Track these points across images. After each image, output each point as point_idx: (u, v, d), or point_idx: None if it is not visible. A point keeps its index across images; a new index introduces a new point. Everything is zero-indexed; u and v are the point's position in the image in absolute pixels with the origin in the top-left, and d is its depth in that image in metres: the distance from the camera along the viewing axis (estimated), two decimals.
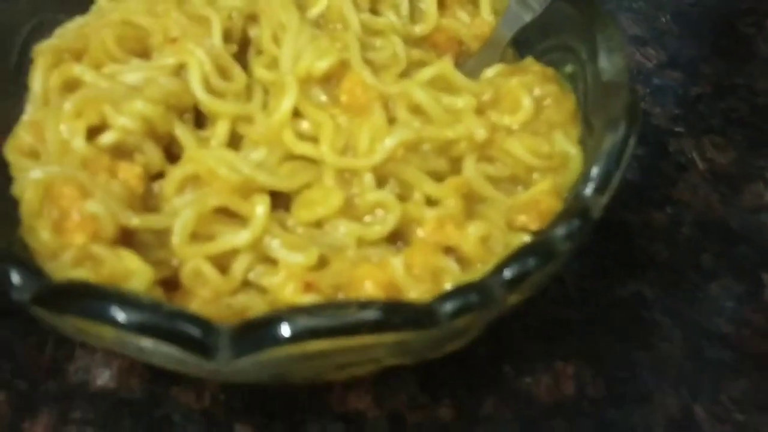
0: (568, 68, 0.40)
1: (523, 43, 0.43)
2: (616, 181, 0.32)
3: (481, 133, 0.34)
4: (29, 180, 0.31)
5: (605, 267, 0.43)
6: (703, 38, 0.60)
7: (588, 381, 0.38)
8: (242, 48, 0.39)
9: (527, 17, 0.39)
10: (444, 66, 0.36)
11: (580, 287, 0.42)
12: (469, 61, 0.42)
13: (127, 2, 0.37)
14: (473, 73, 0.40)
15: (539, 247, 0.30)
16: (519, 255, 0.29)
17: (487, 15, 0.42)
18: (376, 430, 0.36)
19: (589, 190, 0.31)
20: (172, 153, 0.35)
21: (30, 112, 0.35)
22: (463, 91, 0.37)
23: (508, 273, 0.28)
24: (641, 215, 0.46)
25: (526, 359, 0.39)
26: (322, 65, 0.35)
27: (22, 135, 0.34)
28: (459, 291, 0.28)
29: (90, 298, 0.26)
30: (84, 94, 0.33)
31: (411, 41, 0.41)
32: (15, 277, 0.27)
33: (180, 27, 0.36)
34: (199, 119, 0.36)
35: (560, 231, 0.30)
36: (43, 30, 0.39)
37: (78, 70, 0.34)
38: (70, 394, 0.35)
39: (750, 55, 0.58)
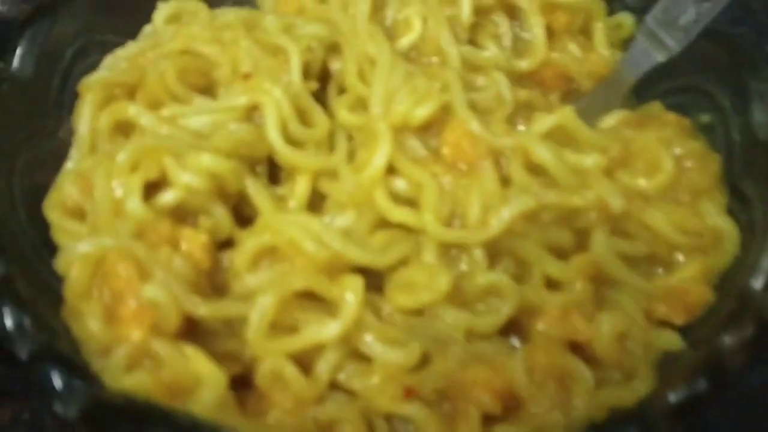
0: (705, 118, 0.34)
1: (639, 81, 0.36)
2: None
3: (618, 204, 0.28)
4: (76, 254, 0.25)
5: None
6: None
7: None
8: (321, 84, 0.33)
9: (660, 57, 0.33)
10: (565, 115, 0.30)
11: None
12: (579, 102, 0.36)
13: (188, 27, 0.31)
14: (585, 117, 0.34)
15: (707, 363, 0.24)
16: (683, 371, 0.23)
17: (602, 49, 0.35)
18: None
19: (759, 283, 0.25)
20: (241, 213, 0.29)
21: (75, 159, 0.29)
22: (586, 145, 0.30)
23: (673, 397, 0.22)
24: None
25: None
26: (422, 113, 0.29)
27: (67, 188, 0.28)
28: (620, 421, 0.22)
29: (152, 424, 0.20)
30: (141, 144, 0.27)
31: (514, 77, 0.35)
32: (58, 382, 0.22)
33: (251, 59, 0.31)
34: (273, 170, 0.30)
35: (730, 340, 0.24)
36: (90, 54, 0.34)
37: (133, 111, 0.29)
38: None
39: None
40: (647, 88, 0.36)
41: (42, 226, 0.28)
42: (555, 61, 0.35)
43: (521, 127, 0.33)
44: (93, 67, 0.34)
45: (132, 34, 0.36)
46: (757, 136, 0.30)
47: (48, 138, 0.32)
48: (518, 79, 0.35)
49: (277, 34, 0.31)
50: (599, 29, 0.36)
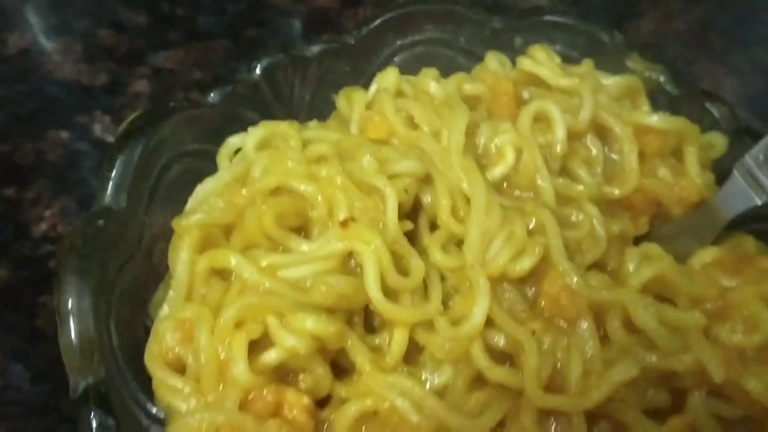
0: None
1: None
2: None
3: (719, 374, 0.28)
4: (189, 427, 0.25)
5: None
6: None
7: None
8: (414, 212, 0.33)
9: (758, 200, 0.32)
10: (664, 266, 0.30)
11: None
12: (666, 226, 0.36)
13: (282, 161, 0.31)
14: (675, 245, 0.34)
15: None
16: None
17: (695, 175, 0.35)
18: None
19: None
20: (339, 364, 0.29)
21: (173, 303, 0.29)
22: (683, 294, 0.30)
23: None
24: None
25: None
26: (523, 267, 0.29)
27: (168, 338, 0.28)
28: None
29: None
30: (245, 302, 0.27)
31: (604, 204, 0.34)
32: None
33: (347, 200, 0.30)
34: (368, 315, 0.30)
35: None
36: (175, 166, 0.34)
37: (234, 261, 0.29)
38: None
39: None
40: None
41: (139, 369, 0.29)
42: (646, 186, 0.35)
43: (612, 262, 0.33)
44: (179, 179, 0.35)
45: (215, 140, 0.36)
46: None
47: (140, 265, 0.32)
48: (608, 205, 0.35)
49: (373, 175, 0.31)
50: (691, 153, 0.35)
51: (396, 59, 0.42)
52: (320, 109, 0.40)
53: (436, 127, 0.33)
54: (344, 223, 0.30)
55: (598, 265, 0.33)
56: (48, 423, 0.37)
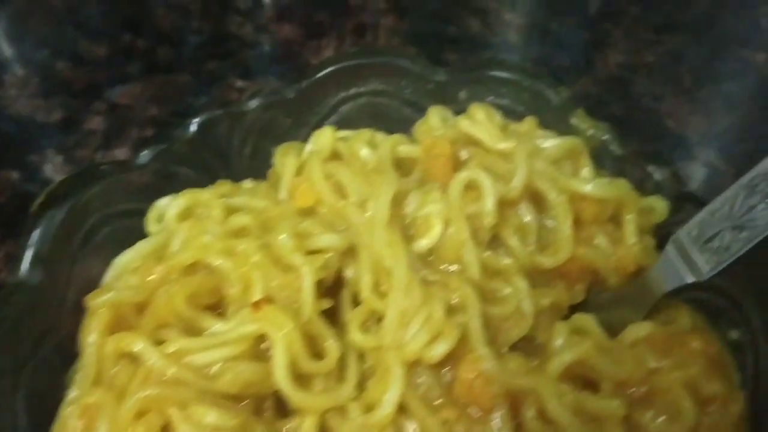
0: (734, 334, 0.32)
1: None
2: None
3: None
4: None
5: None
6: None
7: None
8: (337, 287, 0.32)
9: (689, 278, 0.31)
10: (587, 350, 0.29)
11: None
12: (603, 295, 0.35)
13: (199, 237, 0.30)
14: (607, 309, 0.33)
15: None
16: None
17: (632, 244, 0.34)
18: None
19: None
20: None
21: (80, 387, 0.29)
22: (608, 377, 0.29)
23: None
24: None
25: None
26: (438, 352, 0.28)
27: (71, 424, 0.28)
28: None
29: None
30: (146, 394, 0.27)
31: (537, 274, 0.33)
32: None
33: (263, 278, 0.30)
34: (281, 403, 0.29)
35: None
36: (101, 230, 0.33)
37: (139, 347, 0.28)
38: None
39: None
40: None
41: None
42: (580, 256, 0.34)
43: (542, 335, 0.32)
44: (108, 241, 0.34)
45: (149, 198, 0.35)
46: None
47: (61, 336, 0.32)
48: (542, 274, 0.34)
49: (289, 253, 0.30)
50: (630, 221, 0.34)
51: (340, 110, 0.41)
52: (262, 162, 0.39)
53: (364, 196, 0.33)
54: (257, 305, 0.29)
55: (526, 338, 0.32)
56: None
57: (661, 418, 0.29)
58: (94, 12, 0.62)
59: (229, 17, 0.61)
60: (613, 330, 0.33)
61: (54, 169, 0.50)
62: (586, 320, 0.33)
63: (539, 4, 0.64)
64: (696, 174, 0.51)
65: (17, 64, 0.57)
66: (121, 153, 0.51)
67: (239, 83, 0.56)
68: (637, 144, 0.37)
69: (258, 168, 0.39)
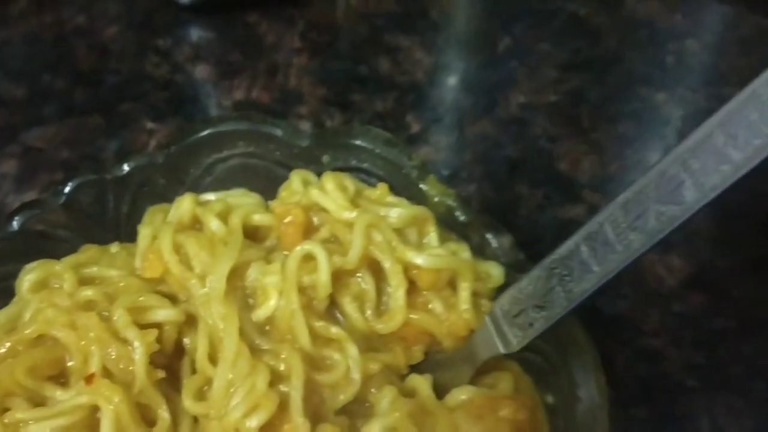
0: (549, 398, 0.34)
1: None
2: None
3: None
4: None
5: None
6: (739, 243, 0.52)
7: None
8: (177, 355, 0.34)
9: (502, 349, 0.33)
10: (395, 421, 0.32)
11: None
12: (439, 355, 0.37)
13: (44, 312, 0.33)
14: (445, 368, 0.36)
15: None
16: None
17: (463, 311, 0.36)
18: None
19: None
20: None
21: None
22: None
23: None
24: None
25: None
26: (254, 424, 0.31)
27: None
28: None
29: None
30: None
31: (374, 339, 0.36)
32: None
33: (100, 351, 0.32)
34: None
35: None
36: None
37: None
38: None
39: None
40: None
41: None
42: (414, 321, 0.36)
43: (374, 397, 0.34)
44: None
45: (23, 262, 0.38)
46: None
47: None
48: (380, 339, 0.36)
49: (124, 328, 0.32)
50: (464, 289, 0.36)
51: (216, 170, 0.43)
52: (138, 220, 0.41)
53: (206, 268, 0.35)
54: (89, 378, 0.31)
55: (359, 400, 0.34)
56: None
57: None
58: (17, 52, 0.64)
59: (147, 57, 0.63)
60: (444, 389, 0.35)
61: None
62: (418, 381, 0.35)
63: (450, 43, 0.66)
64: (581, 217, 0.53)
65: None
66: (30, 196, 0.53)
67: (150, 125, 0.58)
68: (480, 211, 0.39)
69: (134, 229, 0.41)
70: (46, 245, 0.39)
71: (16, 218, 0.39)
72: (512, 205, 0.53)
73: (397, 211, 0.38)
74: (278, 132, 0.42)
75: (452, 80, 0.63)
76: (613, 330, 0.47)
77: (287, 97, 0.60)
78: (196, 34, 0.66)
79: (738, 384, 0.45)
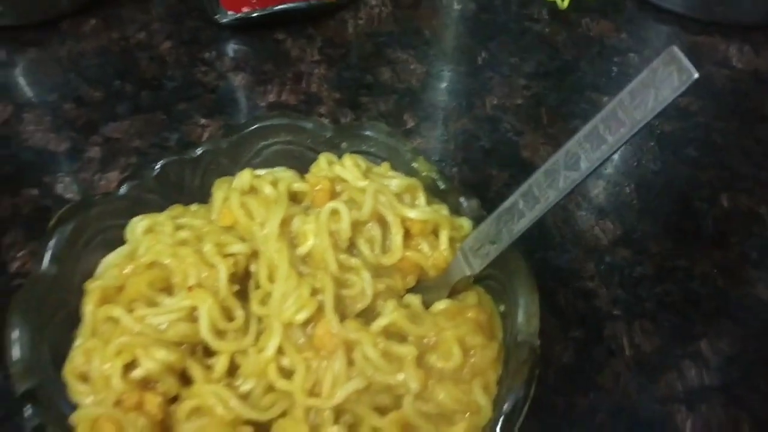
0: (503, 308, 0.50)
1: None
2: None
3: (414, 387, 0.45)
4: (80, 416, 0.43)
5: None
6: (659, 212, 0.68)
7: None
8: (246, 277, 0.50)
9: (468, 272, 0.49)
10: (396, 317, 0.47)
11: None
12: (427, 281, 0.53)
13: (155, 245, 0.48)
14: (427, 296, 0.51)
15: None
16: None
17: (444, 250, 0.51)
18: None
19: None
20: (186, 377, 0.46)
21: (82, 338, 0.47)
22: (411, 335, 0.47)
23: None
24: (567, 399, 0.56)
25: None
26: (301, 317, 0.46)
27: (77, 361, 0.45)
28: None
29: None
30: (121, 340, 0.45)
31: (381, 269, 0.51)
32: None
33: (196, 271, 0.47)
34: (208, 348, 0.47)
35: None
36: (95, 238, 0.51)
37: (117, 312, 0.46)
38: None
39: (697, 233, 0.66)
40: (481, 272, 0.52)
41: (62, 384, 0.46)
42: (409, 257, 0.52)
43: (381, 307, 0.50)
44: (99, 247, 0.52)
45: (127, 217, 0.53)
46: (516, 336, 0.46)
47: (69, 308, 0.49)
48: (385, 269, 0.52)
49: (212, 255, 0.48)
50: (444, 234, 0.52)
51: (263, 153, 0.58)
52: (206, 191, 0.57)
53: (263, 219, 0.50)
54: (190, 288, 0.47)
55: (369, 309, 0.50)
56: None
57: (442, 359, 0.47)
58: (92, 62, 0.79)
59: (196, 66, 0.79)
60: (429, 305, 0.51)
61: (63, 187, 0.68)
62: (411, 298, 0.50)
63: (439, 57, 0.82)
64: None
65: (33, 106, 0.74)
66: (112, 176, 0.68)
67: (203, 121, 0.73)
68: (456, 182, 0.55)
69: (206, 194, 0.57)
70: (143, 206, 0.54)
71: (123, 186, 0.54)
72: (485, 183, 0.68)
73: (396, 181, 0.54)
74: (309, 125, 0.57)
75: (440, 86, 0.78)
76: (558, 276, 0.63)
77: (310, 100, 0.75)
78: (234, 48, 0.81)
79: (650, 314, 0.61)
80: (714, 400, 0.56)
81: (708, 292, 0.62)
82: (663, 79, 0.37)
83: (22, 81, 0.77)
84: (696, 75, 0.36)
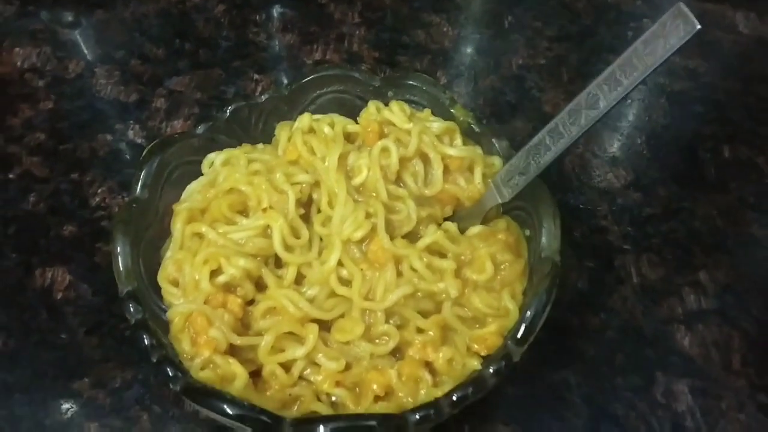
0: (528, 232, 0.58)
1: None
2: (532, 338, 0.50)
3: (453, 293, 0.53)
4: (176, 311, 0.52)
5: (547, 357, 0.62)
6: (666, 161, 0.76)
7: None
8: (309, 203, 0.58)
9: (500, 200, 0.57)
10: (437, 237, 0.55)
11: (526, 371, 0.61)
12: (462, 211, 0.61)
13: (233, 174, 0.57)
14: (463, 223, 0.59)
15: (475, 381, 0.49)
16: (462, 386, 0.49)
17: (478, 183, 0.60)
18: None
19: (512, 342, 0.50)
20: (260, 284, 0.55)
21: (173, 251, 0.55)
22: (450, 252, 0.56)
23: (453, 397, 0.48)
24: (581, 318, 0.65)
25: (481, 422, 0.59)
26: (358, 234, 0.55)
27: (169, 269, 0.54)
28: (420, 408, 0.48)
29: (215, 397, 0.47)
30: (208, 251, 0.53)
31: (423, 199, 0.60)
32: (171, 374, 0.49)
33: (268, 196, 0.56)
34: (279, 260, 0.56)
35: (490, 369, 0.49)
36: (176, 171, 0.60)
37: (203, 229, 0.54)
38: None
39: (700, 179, 0.74)
40: (509, 204, 0.60)
41: (157, 286, 0.55)
42: (448, 190, 0.60)
43: (423, 231, 0.58)
44: (180, 178, 0.60)
45: (202, 154, 0.61)
46: (540, 253, 0.54)
47: (157, 228, 0.58)
48: (427, 199, 0.60)
49: (282, 182, 0.56)
50: (478, 171, 0.60)
51: (318, 101, 0.66)
52: (269, 133, 0.65)
53: (324, 154, 0.59)
54: (264, 210, 0.55)
55: (413, 233, 0.58)
56: (103, 318, 0.63)
57: (476, 272, 0.55)
58: (154, 23, 0.87)
59: (248, 27, 0.87)
60: (463, 231, 0.59)
61: (134, 133, 0.76)
62: (449, 225, 0.59)
63: (469, 20, 0.89)
64: None
65: (104, 62, 0.83)
66: (177, 124, 0.77)
67: (256, 76, 0.81)
68: (488, 127, 0.63)
69: (267, 137, 0.65)
70: (216, 145, 0.63)
71: (198, 127, 0.62)
72: (511, 133, 0.76)
73: (437, 124, 0.62)
74: (358, 76, 0.65)
75: (470, 48, 0.86)
76: (576, 215, 0.71)
77: (351, 58, 0.83)
78: (281, 11, 0.89)
79: (656, 248, 0.69)
80: (709, 321, 0.64)
81: (708, 230, 0.70)
82: (671, 30, 0.44)
83: (91, 40, 0.85)
84: (698, 26, 0.43)
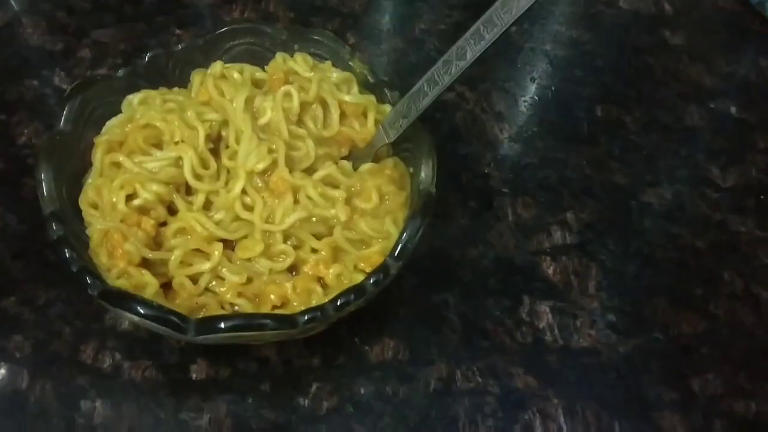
0: (411, 170, 0.67)
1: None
2: (408, 255, 0.59)
3: (343, 218, 0.61)
4: (95, 228, 0.58)
5: (431, 281, 0.71)
6: (546, 118, 0.85)
7: (399, 350, 0.67)
8: (218, 140, 0.66)
9: (387, 140, 0.65)
10: (331, 170, 0.63)
11: (412, 293, 0.71)
12: (357, 152, 0.69)
13: (148, 111, 0.63)
14: (356, 162, 0.67)
15: (357, 289, 0.57)
16: (345, 293, 0.57)
17: (370, 127, 0.68)
18: (276, 368, 0.65)
19: (390, 258, 0.59)
20: (172, 209, 0.62)
21: (93, 178, 0.62)
22: (342, 184, 0.64)
23: (337, 302, 0.57)
24: (462, 250, 0.74)
25: (368, 335, 0.68)
26: (260, 166, 0.62)
27: (89, 194, 0.61)
28: (309, 311, 0.56)
29: (128, 300, 0.54)
30: (125, 176, 0.60)
31: (322, 139, 0.68)
32: (89, 281, 0.56)
33: (180, 131, 0.63)
34: (189, 189, 0.63)
35: (370, 280, 0.58)
36: (98, 110, 0.66)
37: (121, 158, 0.61)
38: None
39: (574, 134, 0.84)
40: (399, 147, 0.68)
41: (78, 211, 0.61)
42: (344, 132, 0.68)
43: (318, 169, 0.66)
44: (101, 116, 0.66)
45: (123, 95, 0.68)
46: (420, 186, 0.63)
47: (79, 159, 0.64)
48: (326, 140, 0.68)
49: (193, 119, 0.63)
50: (371, 116, 0.68)
51: (231, 52, 0.73)
52: (185, 79, 0.71)
53: (232, 97, 0.66)
54: (177, 143, 0.62)
55: (311, 169, 0.66)
56: (28, 244, 0.69)
57: (363, 201, 0.63)
58: None
59: None
60: (357, 169, 0.67)
61: (59, 80, 0.81)
62: (344, 162, 0.67)
63: None
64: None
65: (31, 13, 0.87)
66: (102, 71, 0.82)
67: (177, 31, 0.87)
68: (382, 79, 0.71)
69: (184, 84, 0.71)
70: (135, 88, 0.69)
71: (119, 71, 0.68)
72: (409, 88, 0.84)
73: (336, 74, 0.70)
74: (268, 30, 0.72)
75: (378, 13, 0.93)
76: (463, 162, 0.80)
77: (268, 17, 0.89)
78: None
79: (531, 192, 0.79)
80: (572, 253, 0.74)
81: (577, 177, 0.80)
82: None
83: None
84: None
